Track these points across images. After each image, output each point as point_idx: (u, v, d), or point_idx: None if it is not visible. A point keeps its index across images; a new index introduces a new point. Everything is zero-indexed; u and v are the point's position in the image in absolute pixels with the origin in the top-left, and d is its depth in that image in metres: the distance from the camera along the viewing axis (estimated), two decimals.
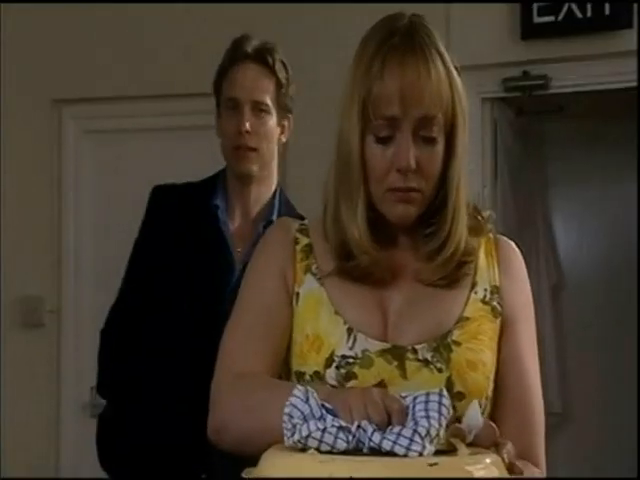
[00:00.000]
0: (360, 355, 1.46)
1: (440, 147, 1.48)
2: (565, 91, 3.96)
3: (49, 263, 4.31)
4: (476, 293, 1.53)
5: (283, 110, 2.54)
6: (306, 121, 4.05)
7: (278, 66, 2.51)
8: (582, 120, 4.98)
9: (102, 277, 4.06)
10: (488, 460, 1.17)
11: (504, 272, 1.56)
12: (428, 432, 1.14)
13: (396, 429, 1.15)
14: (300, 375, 1.49)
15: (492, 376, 1.50)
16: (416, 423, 1.16)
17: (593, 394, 5.18)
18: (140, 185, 4.09)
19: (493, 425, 1.28)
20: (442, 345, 1.47)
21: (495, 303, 1.53)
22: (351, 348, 1.46)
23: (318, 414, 1.19)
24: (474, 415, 1.24)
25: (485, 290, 1.53)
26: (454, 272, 1.51)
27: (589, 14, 3.71)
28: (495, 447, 1.25)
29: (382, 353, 1.46)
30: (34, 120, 4.33)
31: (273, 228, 1.66)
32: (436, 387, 1.23)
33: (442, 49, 1.49)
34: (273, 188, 2.57)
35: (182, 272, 2.47)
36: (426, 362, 1.45)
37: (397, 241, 1.55)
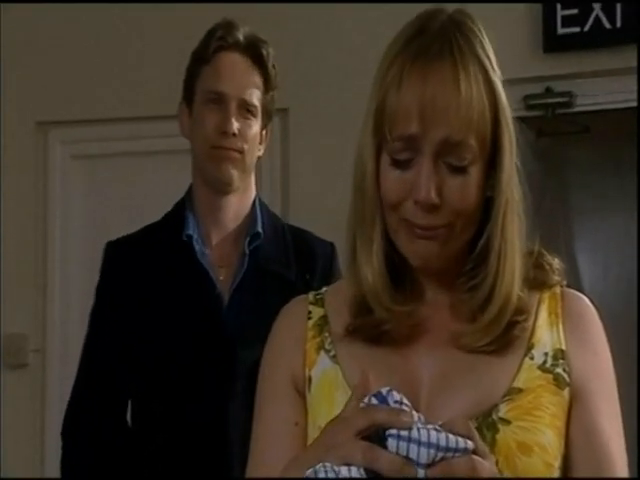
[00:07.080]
0: None
1: (474, 178, 1.22)
2: (591, 109, 3.81)
3: (33, 299, 4.19)
4: (532, 358, 1.26)
5: (266, 117, 2.20)
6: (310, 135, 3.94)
7: (271, 61, 2.17)
8: (609, 142, 4.78)
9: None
10: None
11: (571, 332, 1.29)
12: None
13: None
14: None
15: (557, 462, 1.22)
16: None
17: None
18: (130, 213, 4.01)
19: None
20: (485, 424, 1.20)
21: (560, 370, 1.26)
22: None
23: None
24: None
25: (545, 354, 1.26)
26: (502, 335, 1.24)
27: (618, 24, 3.57)
28: None
29: None
30: (18, 144, 4.22)
31: (284, 311, 1.40)
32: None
33: (485, 57, 1.22)
34: (251, 202, 2.23)
35: (170, 331, 2.14)
36: None
37: (430, 295, 1.30)
